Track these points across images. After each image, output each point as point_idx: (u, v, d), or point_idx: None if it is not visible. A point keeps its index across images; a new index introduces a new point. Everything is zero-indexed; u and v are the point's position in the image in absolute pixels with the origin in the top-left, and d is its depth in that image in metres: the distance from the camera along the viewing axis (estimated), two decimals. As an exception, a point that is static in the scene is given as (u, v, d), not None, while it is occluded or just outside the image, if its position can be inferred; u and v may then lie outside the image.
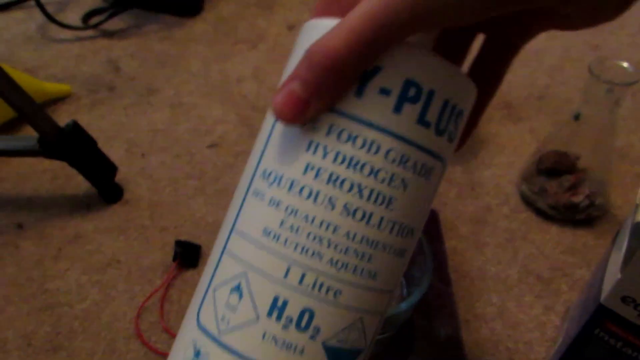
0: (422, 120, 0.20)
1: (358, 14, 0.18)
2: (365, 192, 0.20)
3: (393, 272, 0.22)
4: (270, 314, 0.20)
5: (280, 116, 0.20)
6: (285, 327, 0.20)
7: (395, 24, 0.18)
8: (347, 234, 0.20)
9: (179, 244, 0.54)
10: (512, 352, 0.46)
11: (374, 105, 0.20)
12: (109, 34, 0.91)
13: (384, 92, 0.20)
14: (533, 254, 0.54)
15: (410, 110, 0.20)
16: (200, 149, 0.68)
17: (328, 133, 0.20)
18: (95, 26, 0.92)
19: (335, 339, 0.21)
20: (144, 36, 0.91)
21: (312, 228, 0.20)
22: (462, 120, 0.22)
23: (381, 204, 0.20)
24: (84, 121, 0.60)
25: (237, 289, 0.21)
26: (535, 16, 0.24)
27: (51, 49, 0.88)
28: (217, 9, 0.98)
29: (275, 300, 0.20)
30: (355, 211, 0.20)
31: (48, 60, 0.85)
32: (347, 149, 0.20)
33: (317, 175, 0.20)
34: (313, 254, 0.20)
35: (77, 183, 0.62)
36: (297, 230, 0.20)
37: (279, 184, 0.21)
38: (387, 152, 0.20)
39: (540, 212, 0.57)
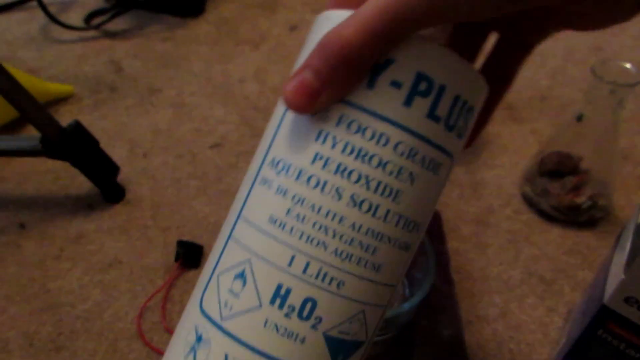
0: (432, 115, 0.20)
1: (372, 6, 0.18)
2: (373, 184, 0.20)
3: (397, 266, 0.22)
4: (273, 301, 0.20)
5: (291, 104, 0.20)
6: (287, 315, 0.20)
7: (408, 16, 0.18)
8: (353, 225, 0.20)
9: (181, 244, 0.54)
10: (515, 354, 0.46)
11: (384, 98, 0.20)
12: (111, 35, 0.92)
13: (395, 84, 0.20)
14: (535, 255, 0.54)
15: (421, 104, 0.20)
16: (203, 149, 0.68)
17: (338, 123, 0.20)
18: (97, 27, 0.92)
19: (337, 330, 0.21)
20: (146, 37, 0.91)
21: (318, 218, 0.20)
22: (472, 117, 0.22)
23: (388, 196, 0.20)
24: (86, 121, 0.60)
25: (241, 275, 0.21)
26: (549, 15, 0.23)
27: (53, 49, 0.88)
28: (219, 10, 0.98)
29: (279, 288, 0.20)
30: (361, 202, 0.20)
31: (50, 60, 0.85)
32: (357, 140, 0.20)
33: (325, 165, 0.20)
34: (318, 243, 0.20)
35: (79, 183, 0.62)
36: (303, 219, 0.20)
37: (287, 172, 0.21)
38: (396, 144, 0.20)
39: (542, 214, 0.57)
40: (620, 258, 0.34)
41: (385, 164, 0.20)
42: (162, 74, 0.81)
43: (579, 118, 0.52)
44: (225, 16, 0.96)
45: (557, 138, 0.56)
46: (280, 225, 0.20)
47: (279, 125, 0.22)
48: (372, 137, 0.20)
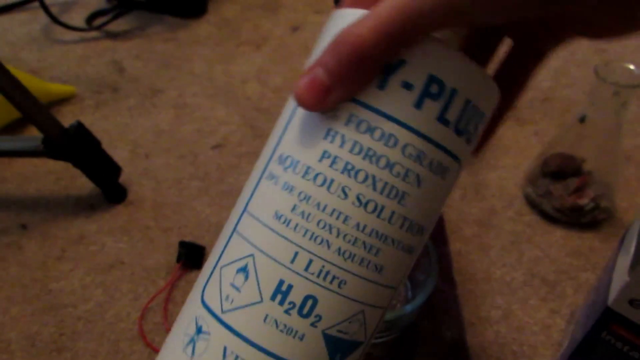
0: (442, 118, 0.20)
1: (387, 5, 0.18)
2: (379, 185, 0.20)
3: (399, 269, 0.22)
4: (274, 297, 0.20)
5: (301, 101, 0.20)
6: (287, 311, 0.20)
7: (423, 17, 0.18)
8: (357, 225, 0.20)
9: (183, 244, 0.54)
10: (518, 355, 0.46)
11: (395, 99, 0.20)
12: (113, 36, 0.92)
13: (407, 86, 0.20)
14: (538, 257, 0.54)
15: (431, 107, 0.20)
16: (204, 150, 0.68)
17: (347, 122, 0.20)
18: (99, 27, 0.92)
19: (336, 329, 0.21)
20: (148, 37, 0.91)
21: (323, 216, 0.20)
22: (482, 122, 0.22)
23: (394, 198, 0.20)
24: (88, 122, 0.60)
25: (244, 269, 0.21)
26: (565, 22, 0.23)
27: (55, 50, 0.88)
28: (221, 11, 0.98)
29: (280, 284, 0.20)
30: (367, 203, 0.20)
31: (52, 61, 0.85)
32: (365, 140, 0.20)
33: (332, 163, 0.20)
34: (322, 241, 0.20)
35: (81, 184, 0.62)
36: (308, 216, 0.20)
37: (294, 169, 0.21)
38: (405, 146, 0.20)
39: (545, 215, 0.57)
40: (625, 260, 0.34)
41: (393, 165, 0.20)
42: (164, 75, 0.81)
43: (582, 119, 0.52)
44: (227, 17, 0.96)
45: (560, 139, 0.56)
46: (285, 221, 0.20)
47: (288, 122, 0.22)
48: (381, 138, 0.20)
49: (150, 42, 0.90)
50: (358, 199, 0.20)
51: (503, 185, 0.62)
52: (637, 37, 0.21)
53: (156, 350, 0.46)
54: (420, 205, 0.21)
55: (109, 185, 0.60)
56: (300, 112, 0.21)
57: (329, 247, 0.20)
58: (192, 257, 0.53)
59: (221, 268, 0.22)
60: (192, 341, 0.22)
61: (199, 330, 0.22)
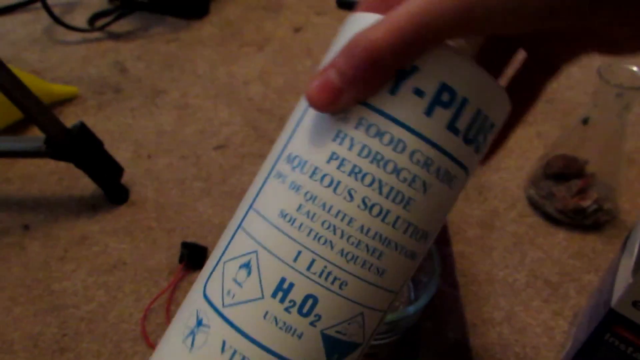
0: (451, 127, 0.20)
1: (402, 12, 0.18)
2: (385, 189, 0.20)
3: (401, 273, 0.22)
4: (274, 294, 0.20)
5: (313, 102, 0.20)
6: (287, 309, 0.20)
7: (438, 25, 0.18)
8: (362, 227, 0.20)
9: (185, 245, 0.54)
10: (520, 357, 0.46)
11: (406, 105, 0.20)
12: (116, 36, 0.92)
13: (418, 93, 0.20)
14: (541, 259, 0.54)
15: (442, 115, 0.20)
16: (207, 150, 0.68)
17: (357, 126, 0.20)
18: (101, 28, 0.92)
19: (334, 330, 0.21)
20: (150, 38, 0.91)
21: (327, 217, 0.20)
22: (492, 133, 0.22)
23: (399, 203, 0.20)
24: (91, 123, 0.60)
25: (247, 265, 0.21)
26: (581, 37, 0.23)
27: (58, 50, 0.88)
28: (224, 12, 0.98)
29: (282, 281, 0.20)
30: (372, 206, 0.20)
31: (55, 62, 0.85)
32: (374, 144, 0.20)
33: (340, 165, 0.20)
34: (325, 242, 0.20)
35: (84, 184, 0.62)
36: (313, 216, 0.20)
37: (302, 169, 0.21)
38: (413, 152, 0.20)
39: (548, 217, 0.57)
40: (628, 262, 0.33)
41: (400, 170, 0.20)
42: (166, 76, 0.81)
43: (585, 121, 0.52)
44: (229, 18, 0.96)
45: (563, 141, 0.56)
46: (290, 220, 0.20)
47: (298, 122, 0.22)
48: (390, 143, 0.20)
49: (152, 42, 0.90)
50: (363, 201, 0.20)
51: (506, 186, 0.62)
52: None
53: (158, 351, 0.46)
54: (425, 212, 0.21)
55: (111, 186, 0.60)
56: (311, 112, 0.21)
57: (332, 247, 0.20)
58: (194, 257, 0.53)
59: (224, 263, 0.22)
60: (192, 333, 0.22)
61: (199, 323, 0.22)
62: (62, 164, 0.58)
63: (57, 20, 0.88)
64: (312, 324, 0.20)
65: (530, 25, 0.19)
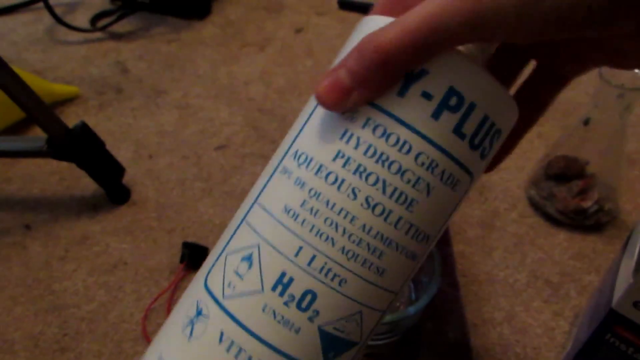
0: (458, 131, 0.20)
1: (415, 14, 0.19)
2: (389, 189, 0.20)
3: (401, 274, 0.22)
4: (274, 288, 0.21)
5: (322, 100, 0.20)
6: (286, 303, 0.21)
7: (448, 30, 0.18)
8: (364, 226, 0.20)
9: (186, 245, 0.54)
10: (521, 357, 0.46)
11: (413, 107, 0.20)
12: (117, 36, 0.92)
13: (426, 96, 0.20)
14: (541, 259, 0.54)
15: (448, 119, 0.20)
16: (208, 150, 0.68)
17: (364, 125, 0.20)
18: (103, 28, 0.92)
19: (332, 326, 0.21)
20: (151, 38, 0.91)
21: (330, 214, 0.20)
22: (498, 139, 0.22)
23: (402, 203, 0.20)
24: (92, 123, 0.60)
25: (248, 258, 0.21)
26: (592, 49, 0.23)
27: (59, 51, 0.89)
28: (225, 12, 0.98)
29: (282, 276, 0.21)
30: (375, 205, 0.20)
31: (56, 62, 0.86)
32: (380, 144, 0.20)
33: (345, 163, 0.20)
34: (327, 239, 0.20)
35: (85, 184, 0.62)
36: (316, 213, 0.20)
37: (307, 165, 0.21)
38: (418, 154, 0.20)
39: (548, 217, 0.57)
40: (629, 262, 0.33)
41: (404, 171, 0.20)
42: (167, 76, 0.82)
43: (586, 122, 0.52)
44: (230, 18, 0.96)
45: (563, 142, 0.56)
46: (293, 215, 0.21)
47: (307, 120, 0.22)
48: (396, 144, 0.20)
49: (154, 43, 0.90)
50: (367, 200, 0.20)
51: (506, 187, 0.61)
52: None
53: (159, 351, 0.46)
54: (427, 214, 0.21)
55: (112, 186, 0.60)
56: (320, 111, 0.22)
57: (333, 244, 0.20)
58: (195, 257, 0.53)
59: (227, 255, 0.22)
60: (192, 323, 0.22)
61: (199, 313, 0.22)
62: (63, 164, 0.58)
63: (59, 20, 0.88)
64: (310, 319, 0.21)
65: (543, 34, 0.19)
